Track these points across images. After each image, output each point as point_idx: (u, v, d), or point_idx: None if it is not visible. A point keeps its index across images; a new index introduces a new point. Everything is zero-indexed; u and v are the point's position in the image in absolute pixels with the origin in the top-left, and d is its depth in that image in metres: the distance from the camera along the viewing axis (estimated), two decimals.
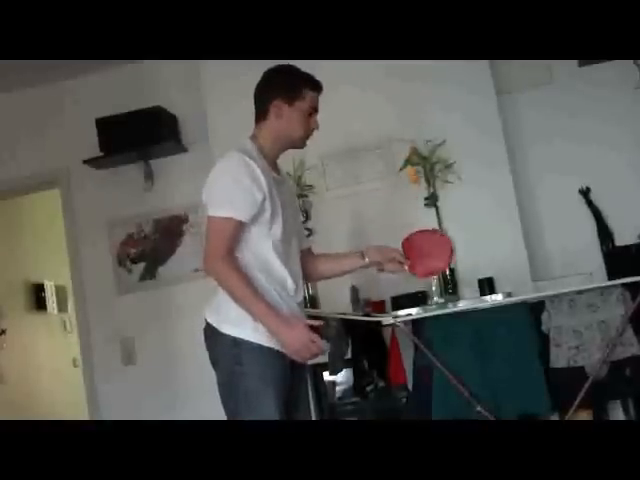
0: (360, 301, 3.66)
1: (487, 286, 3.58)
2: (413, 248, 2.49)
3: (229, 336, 2.25)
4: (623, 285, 3.20)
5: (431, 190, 3.74)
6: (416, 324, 3.36)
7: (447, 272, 3.62)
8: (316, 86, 2.38)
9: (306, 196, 3.81)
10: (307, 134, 2.40)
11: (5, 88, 4.51)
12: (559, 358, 3.22)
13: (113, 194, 4.50)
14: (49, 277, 6.14)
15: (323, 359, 3.19)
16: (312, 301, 3.70)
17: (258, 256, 2.28)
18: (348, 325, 3.41)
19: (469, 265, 3.72)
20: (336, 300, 3.69)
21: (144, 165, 4.44)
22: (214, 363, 2.31)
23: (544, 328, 3.25)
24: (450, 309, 3.38)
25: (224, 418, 2.28)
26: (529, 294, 3.41)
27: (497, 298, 3.42)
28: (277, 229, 2.29)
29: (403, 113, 3.91)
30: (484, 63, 3.89)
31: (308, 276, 2.61)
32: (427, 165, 3.72)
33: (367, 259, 2.48)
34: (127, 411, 4.18)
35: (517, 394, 3.19)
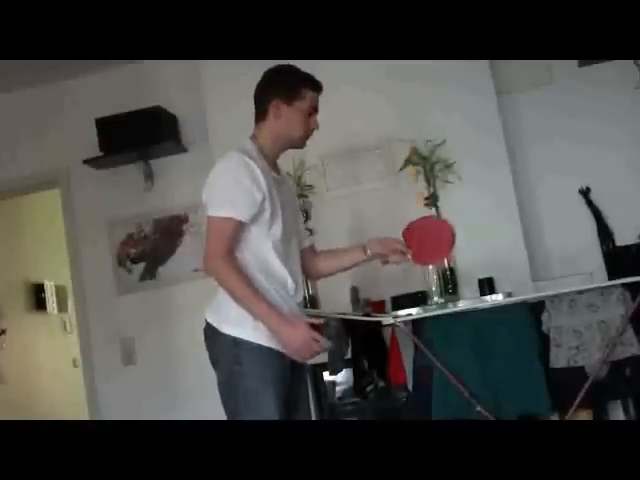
0: (360, 301, 3.66)
1: (487, 286, 3.57)
2: (414, 237, 2.48)
3: (229, 336, 2.25)
4: (623, 285, 3.20)
5: (431, 190, 3.74)
6: (416, 324, 3.36)
7: (447, 271, 3.62)
8: (316, 86, 2.38)
9: (306, 196, 3.81)
10: (307, 134, 2.40)
11: (5, 88, 4.51)
12: (559, 358, 3.22)
13: (113, 194, 4.50)
14: (49, 277, 6.14)
15: (323, 359, 3.19)
16: (312, 301, 3.70)
17: (258, 256, 2.28)
18: (348, 325, 3.41)
19: (469, 265, 3.72)
20: (336, 300, 3.69)
21: (144, 165, 4.44)
22: (214, 363, 2.32)
23: (544, 328, 3.25)
24: (450, 309, 3.38)
25: (224, 418, 2.29)
26: (529, 294, 3.40)
27: (497, 298, 3.42)
28: (277, 229, 2.29)
29: (403, 113, 3.91)
30: (484, 63, 3.89)
31: (309, 275, 2.62)
32: (427, 165, 3.72)
33: (369, 251, 2.48)
34: (127, 411, 4.18)
35: (517, 394, 3.19)
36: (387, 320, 3.33)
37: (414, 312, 3.40)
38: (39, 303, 6.05)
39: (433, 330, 3.30)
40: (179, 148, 4.43)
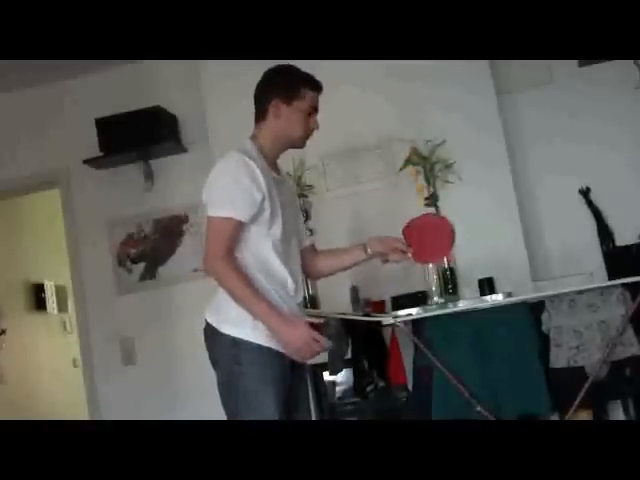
0: (360, 301, 3.66)
1: (487, 286, 3.57)
2: (414, 235, 2.47)
3: (228, 336, 2.25)
4: (623, 285, 3.20)
5: (431, 190, 3.74)
6: (416, 324, 3.36)
7: (447, 271, 3.62)
8: (315, 86, 2.38)
9: (306, 196, 3.81)
10: (307, 134, 2.40)
11: (5, 88, 4.51)
12: (559, 358, 3.22)
13: (113, 194, 4.51)
14: (49, 277, 6.14)
15: (323, 359, 3.19)
16: (312, 301, 3.70)
17: (258, 256, 2.28)
18: (348, 325, 3.41)
19: (469, 265, 3.72)
20: (336, 300, 3.69)
21: (144, 165, 4.44)
22: (214, 363, 2.32)
23: (544, 328, 3.25)
24: (450, 309, 3.38)
25: (224, 418, 2.29)
26: (529, 294, 3.40)
27: (497, 298, 3.42)
28: (277, 229, 2.29)
29: (403, 113, 3.91)
30: (484, 63, 3.89)
31: (309, 274, 2.62)
32: (427, 165, 3.72)
33: (369, 250, 2.47)
34: (127, 411, 4.18)
35: (517, 394, 3.19)
36: (387, 320, 3.33)
37: (414, 312, 3.40)
38: (39, 303, 6.05)
39: (433, 330, 3.30)
40: (179, 148, 4.43)
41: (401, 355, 3.40)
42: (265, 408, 2.20)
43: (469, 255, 3.71)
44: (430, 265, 3.56)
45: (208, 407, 2.65)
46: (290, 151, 2.48)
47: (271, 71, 2.41)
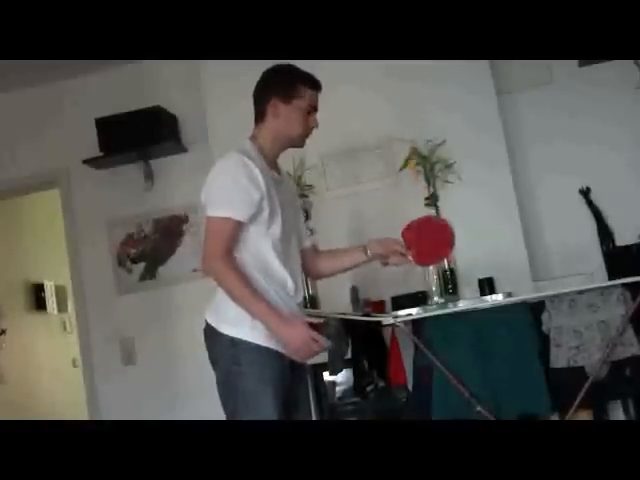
0: (360, 301, 3.66)
1: (487, 286, 3.57)
2: (413, 237, 2.47)
3: (227, 336, 2.25)
4: (623, 285, 3.20)
5: (431, 190, 3.74)
6: (416, 324, 3.36)
7: (447, 271, 3.62)
8: (314, 84, 2.37)
9: (306, 196, 3.81)
10: (306, 133, 2.39)
11: (5, 88, 4.51)
12: (559, 358, 3.22)
13: (113, 194, 4.51)
14: (49, 277, 6.14)
15: (323, 359, 3.19)
16: (312, 301, 3.70)
17: (257, 256, 2.28)
18: (348, 325, 3.41)
19: (469, 265, 3.72)
20: (336, 300, 3.69)
21: (144, 165, 4.44)
22: (213, 363, 2.31)
23: (544, 328, 3.25)
24: (450, 309, 3.38)
25: (224, 418, 2.28)
26: (529, 294, 3.40)
27: (497, 298, 3.42)
28: (276, 228, 2.29)
29: (403, 113, 3.91)
30: (484, 63, 3.88)
31: (309, 274, 2.62)
32: (427, 165, 3.72)
33: (369, 252, 2.47)
34: (127, 411, 4.18)
35: (517, 394, 3.19)
36: (387, 320, 3.33)
37: (414, 312, 3.40)
38: (39, 303, 6.05)
39: (433, 330, 3.30)
40: (179, 148, 4.43)
41: (401, 355, 3.39)
42: (264, 408, 2.20)
43: (469, 255, 3.71)
44: (430, 266, 3.56)
45: (208, 407, 2.65)
46: (290, 151, 2.48)
47: (269, 71, 2.41)
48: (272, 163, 2.39)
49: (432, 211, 3.71)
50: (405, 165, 3.76)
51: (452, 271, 3.64)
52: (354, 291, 3.67)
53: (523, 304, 3.31)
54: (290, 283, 2.31)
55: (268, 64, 2.42)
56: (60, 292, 6.23)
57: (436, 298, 3.58)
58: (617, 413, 3.57)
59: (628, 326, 3.18)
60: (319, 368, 3.57)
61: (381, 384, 3.52)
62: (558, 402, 3.21)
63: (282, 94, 2.34)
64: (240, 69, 3.22)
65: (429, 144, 3.72)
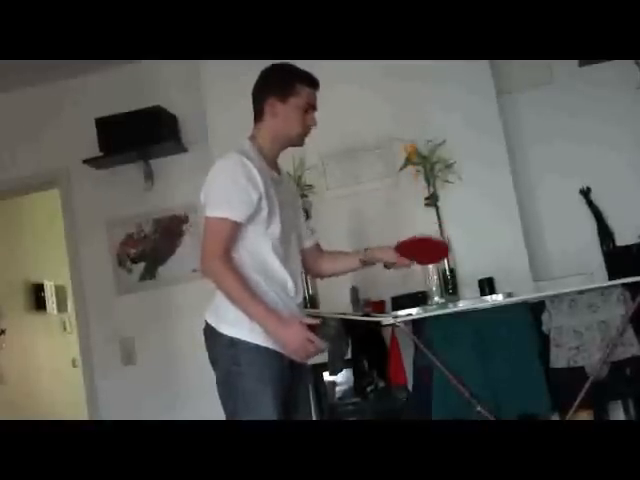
0: (360, 301, 3.65)
1: (487, 286, 3.57)
2: (406, 251, 2.51)
3: (226, 336, 2.25)
4: (623, 285, 3.20)
5: (431, 190, 3.74)
6: (416, 324, 3.36)
7: (447, 272, 3.62)
8: (311, 82, 2.37)
9: (306, 196, 3.81)
10: (305, 131, 2.39)
11: (5, 88, 4.51)
12: (559, 358, 3.22)
13: (113, 194, 4.50)
14: (49, 277, 6.14)
15: (323, 359, 3.18)
16: (312, 301, 3.70)
17: (256, 256, 2.28)
18: (348, 325, 3.40)
19: (469, 265, 3.72)
20: (336, 300, 3.69)
21: (144, 165, 4.44)
22: (213, 363, 2.32)
23: (544, 328, 3.25)
24: (450, 309, 3.38)
25: (224, 418, 2.28)
26: (529, 294, 3.40)
27: (497, 298, 3.42)
28: (275, 228, 2.29)
29: (403, 113, 3.91)
30: (484, 63, 3.88)
31: (309, 271, 2.65)
32: (427, 165, 3.72)
33: (366, 260, 2.53)
34: (127, 411, 4.17)
35: (517, 394, 3.19)
36: (387, 320, 3.33)
37: (414, 312, 3.40)
38: (39, 303, 6.05)
39: (433, 330, 3.30)
40: (179, 148, 4.42)
41: (401, 355, 3.39)
42: (264, 408, 2.20)
43: (469, 255, 3.72)
44: (430, 266, 3.56)
45: (208, 407, 2.65)
46: (290, 151, 2.48)
47: (267, 70, 2.41)
48: (272, 163, 2.39)
49: (432, 211, 3.71)
50: (405, 166, 3.75)
51: (452, 271, 3.64)
52: (354, 291, 3.67)
53: (523, 304, 3.31)
54: (290, 284, 2.31)
55: (268, 64, 2.42)
56: (60, 292, 6.23)
57: (436, 298, 3.58)
58: (617, 413, 3.57)
59: (628, 326, 3.18)
60: (319, 368, 3.57)
61: (381, 384, 3.52)
62: (558, 402, 3.21)
63: (279, 93, 2.34)
64: (240, 69, 3.21)
65: (429, 144, 3.72)
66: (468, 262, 3.72)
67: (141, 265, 4.46)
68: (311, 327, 2.24)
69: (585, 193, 3.90)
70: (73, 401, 5.20)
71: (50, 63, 3.66)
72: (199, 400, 3.69)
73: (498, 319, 3.28)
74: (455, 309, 3.37)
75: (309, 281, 3.67)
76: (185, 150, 4.45)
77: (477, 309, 3.35)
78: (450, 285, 3.62)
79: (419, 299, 3.59)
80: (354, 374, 3.56)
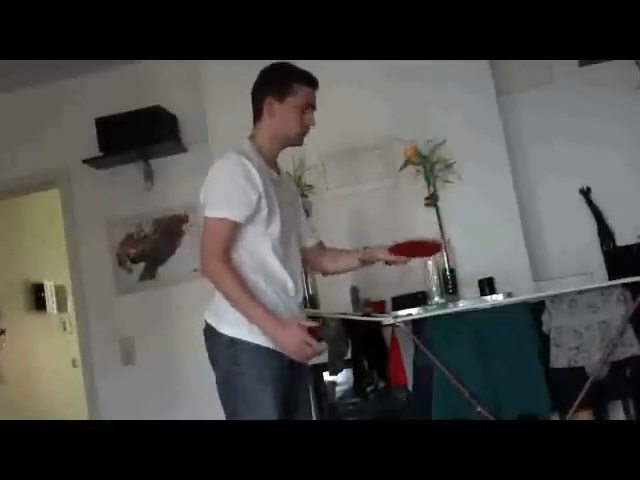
0: (360, 301, 3.65)
1: (487, 286, 3.57)
2: (402, 251, 2.51)
3: (226, 336, 2.25)
4: (624, 285, 3.20)
5: (431, 190, 3.74)
6: (416, 324, 3.36)
7: (447, 272, 3.62)
8: (309, 81, 2.37)
9: (306, 196, 3.81)
10: (303, 131, 2.39)
11: (5, 88, 4.51)
12: (559, 358, 3.22)
13: (113, 194, 4.50)
14: (49, 277, 6.14)
15: (323, 359, 3.19)
16: (312, 301, 3.70)
17: (255, 256, 2.28)
18: (348, 325, 3.41)
19: (469, 265, 3.72)
20: (336, 300, 3.69)
21: (144, 165, 4.44)
22: (213, 363, 2.31)
23: (544, 328, 3.25)
24: (450, 309, 3.38)
25: (224, 418, 2.28)
26: (529, 294, 3.40)
27: (497, 298, 3.42)
28: (275, 228, 2.29)
29: (403, 113, 3.91)
30: (484, 63, 3.88)
31: (313, 269, 2.68)
32: (427, 165, 3.72)
33: (366, 258, 2.53)
34: (127, 411, 4.17)
35: (517, 394, 3.19)
36: (387, 320, 3.33)
37: (414, 312, 3.40)
38: (39, 303, 6.05)
39: (433, 330, 3.30)
40: (179, 148, 4.42)
41: (401, 355, 3.39)
42: (264, 408, 2.20)
43: (469, 255, 3.72)
44: (430, 265, 3.56)
45: (208, 407, 2.65)
46: (290, 151, 2.48)
47: (265, 69, 2.41)
48: (271, 162, 2.39)
49: (432, 211, 3.71)
50: (405, 166, 3.75)
51: (452, 271, 3.64)
52: (354, 291, 3.67)
53: (523, 304, 3.31)
54: (290, 284, 2.31)
55: (268, 64, 2.42)
56: (60, 292, 6.23)
57: (436, 298, 3.58)
58: (617, 413, 3.57)
59: (628, 326, 3.18)
60: (319, 368, 3.57)
61: (381, 384, 3.52)
62: (558, 402, 3.21)
63: (276, 92, 2.34)
64: (240, 69, 3.21)
65: (429, 144, 3.72)
66: (468, 262, 3.72)
67: (141, 265, 4.46)
68: (310, 329, 2.24)
69: (585, 193, 3.90)
70: (73, 401, 5.20)
71: (50, 63, 3.66)
72: (199, 400, 3.69)
73: (498, 319, 3.28)
74: (455, 309, 3.37)
75: (309, 281, 3.67)
76: (185, 150, 4.45)
77: (477, 309, 3.35)
78: (450, 285, 3.62)
79: (419, 299, 3.59)
80: (354, 374, 3.56)
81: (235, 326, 2.24)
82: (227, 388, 2.26)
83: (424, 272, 3.58)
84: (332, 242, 2.80)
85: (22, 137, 4.63)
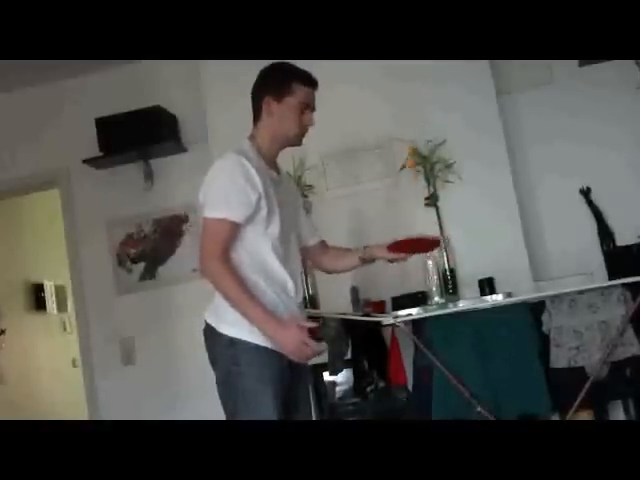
0: (360, 301, 3.65)
1: (487, 286, 3.57)
2: (400, 248, 2.51)
3: (226, 336, 2.25)
4: (624, 285, 3.20)
5: (431, 190, 3.74)
6: (416, 324, 3.36)
7: (447, 272, 3.62)
8: (307, 81, 2.36)
9: (306, 196, 3.81)
10: (302, 131, 2.39)
11: (5, 88, 4.51)
12: (559, 358, 3.22)
13: (113, 194, 4.50)
14: (49, 277, 6.14)
15: (323, 359, 3.18)
16: (312, 301, 3.70)
17: (255, 256, 2.28)
18: (348, 325, 3.41)
19: (469, 265, 3.72)
20: (336, 300, 3.69)
21: (144, 165, 4.44)
22: (213, 363, 2.31)
23: (544, 328, 3.25)
24: (450, 309, 3.38)
25: (224, 418, 2.28)
26: (529, 294, 3.40)
27: (497, 298, 3.42)
28: (274, 228, 2.29)
29: (403, 113, 3.91)
30: (484, 63, 3.88)
31: (317, 268, 2.69)
32: (427, 165, 3.72)
33: (366, 257, 2.54)
34: (127, 411, 4.17)
35: (517, 394, 3.19)
36: (387, 320, 3.33)
37: (414, 312, 3.40)
38: (39, 303, 6.05)
39: (433, 330, 3.30)
40: (179, 148, 4.42)
41: (401, 355, 3.39)
42: (264, 408, 2.20)
43: (469, 255, 3.72)
44: (430, 265, 3.56)
45: (208, 407, 2.65)
46: (290, 151, 2.48)
47: (264, 69, 2.41)
48: (271, 162, 2.39)
49: (432, 211, 3.71)
50: (405, 165, 3.75)
51: (452, 271, 3.64)
52: (354, 291, 3.67)
53: (523, 304, 3.31)
54: (290, 284, 2.31)
55: (268, 64, 2.42)
56: (60, 292, 6.23)
57: (436, 298, 3.58)
58: (617, 413, 3.57)
59: (628, 326, 3.18)
60: (319, 368, 3.57)
61: (381, 384, 3.52)
62: (558, 402, 3.21)
63: (275, 92, 2.34)
64: (240, 69, 3.21)
65: (429, 144, 3.72)
66: (468, 262, 3.72)
67: (141, 265, 4.46)
68: (310, 329, 2.23)
69: (585, 193, 3.90)
70: (73, 401, 5.20)
71: (50, 63, 3.66)
72: (199, 400, 3.69)
73: (498, 319, 3.28)
74: (455, 309, 3.37)
75: (309, 281, 3.67)
76: (185, 150, 4.45)
77: (477, 309, 3.35)
78: (450, 285, 3.62)
79: (419, 299, 3.59)
80: (354, 374, 3.56)
81: (235, 326, 2.23)
82: (227, 388, 2.26)
83: (424, 272, 3.58)
84: (332, 242, 2.80)
85: (22, 137, 4.63)
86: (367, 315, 3.46)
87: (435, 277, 3.59)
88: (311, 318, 2.54)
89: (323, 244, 2.62)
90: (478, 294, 3.58)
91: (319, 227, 3.63)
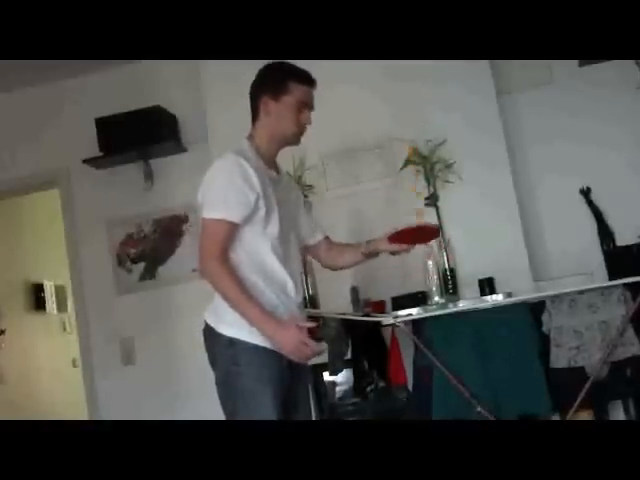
0: (360, 301, 3.65)
1: (487, 286, 3.57)
2: (401, 238, 2.52)
3: (225, 336, 2.25)
4: (624, 285, 3.20)
5: (431, 190, 3.74)
6: (416, 324, 3.36)
7: (447, 271, 3.62)
8: (306, 80, 2.36)
9: (306, 196, 3.81)
10: (299, 130, 2.38)
11: (5, 88, 4.51)
12: (559, 358, 3.22)
13: (113, 194, 4.50)
14: (49, 277, 6.14)
15: (323, 359, 3.18)
16: (312, 301, 3.69)
17: (254, 256, 2.27)
18: (348, 325, 3.41)
19: (469, 265, 3.71)
20: (336, 300, 3.69)
21: (144, 165, 4.44)
22: (212, 363, 2.32)
23: (545, 328, 3.25)
24: (450, 309, 3.38)
25: (224, 418, 2.28)
26: (529, 294, 3.40)
27: (497, 298, 3.42)
28: (274, 228, 2.28)
29: (403, 113, 3.91)
30: (484, 63, 3.88)
31: (325, 265, 2.67)
32: (427, 165, 3.72)
33: (368, 251, 2.55)
34: (127, 411, 4.17)
35: (517, 394, 3.19)
36: (387, 320, 3.33)
37: (414, 312, 3.40)
38: (38, 303, 6.05)
39: (433, 330, 3.30)
40: (179, 148, 4.42)
41: (401, 355, 3.39)
42: (263, 408, 2.20)
43: (469, 255, 3.72)
44: (430, 265, 3.56)
45: (208, 407, 2.64)
46: (290, 151, 2.48)
47: (262, 69, 2.42)
48: (270, 162, 2.39)
49: (432, 211, 3.71)
50: (405, 166, 3.75)
51: (452, 271, 3.64)
52: (354, 291, 3.67)
53: (523, 304, 3.31)
54: (290, 284, 2.31)
55: (265, 63, 2.42)
56: (60, 292, 6.23)
57: (436, 298, 3.58)
58: (617, 413, 3.57)
59: (628, 326, 3.18)
60: (319, 368, 3.56)
61: (381, 384, 3.52)
62: (558, 402, 3.21)
63: (272, 91, 2.34)
64: (240, 69, 3.20)
65: (429, 144, 3.72)
66: (468, 262, 3.72)
67: (141, 265, 4.46)
68: (310, 329, 2.23)
69: (585, 193, 3.90)
70: (73, 401, 5.20)
71: (50, 63, 3.66)
72: (199, 400, 3.68)
73: (498, 319, 3.28)
74: (455, 309, 3.37)
75: (309, 281, 3.67)
76: (185, 150, 4.45)
77: (477, 309, 3.35)
78: (450, 285, 3.62)
79: (419, 299, 3.59)
80: (354, 374, 3.56)
81: (234, 326, 2.23)
82: (226, 388, 2.26)
83: (424, 272, 3.58)
84: None
85: (22, 137, 4.63)
86: (367, 315, 3.46)
87: (435, 277, 3.59)
88: (311, 318, 2.54)
89: (328, 240, 2.61)
90: (478, 294, 3.58)
91: None
